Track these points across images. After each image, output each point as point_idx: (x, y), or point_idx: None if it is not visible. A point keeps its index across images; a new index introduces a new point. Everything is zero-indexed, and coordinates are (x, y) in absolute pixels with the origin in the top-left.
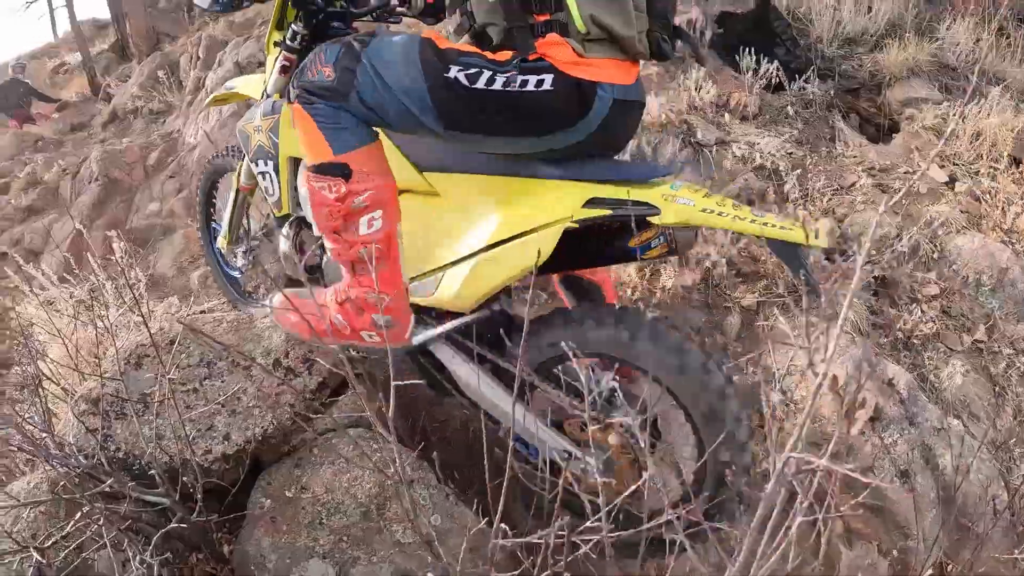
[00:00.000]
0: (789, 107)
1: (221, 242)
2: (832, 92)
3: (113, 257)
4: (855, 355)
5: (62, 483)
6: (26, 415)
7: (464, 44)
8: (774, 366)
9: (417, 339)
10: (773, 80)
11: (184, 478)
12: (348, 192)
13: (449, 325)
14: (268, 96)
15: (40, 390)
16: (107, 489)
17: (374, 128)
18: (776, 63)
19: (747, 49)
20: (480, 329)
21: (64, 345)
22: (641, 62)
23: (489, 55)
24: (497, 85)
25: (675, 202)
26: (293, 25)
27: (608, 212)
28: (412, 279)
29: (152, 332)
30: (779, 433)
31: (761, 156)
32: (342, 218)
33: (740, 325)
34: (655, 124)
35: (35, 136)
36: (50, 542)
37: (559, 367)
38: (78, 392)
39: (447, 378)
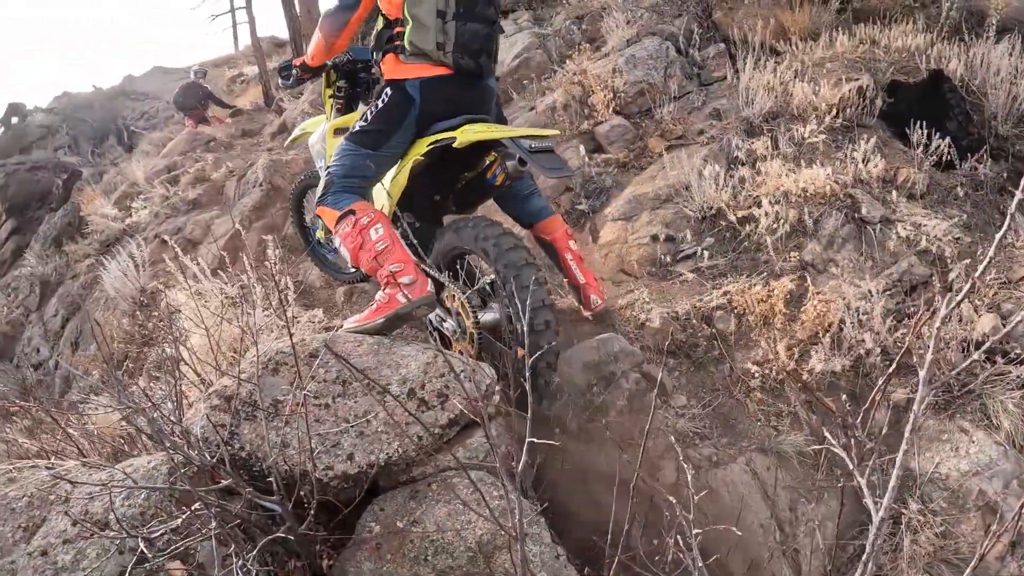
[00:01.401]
0: (959, 187)
1: (319, 234)
2: (1005, 174)
3: (266, 261)
4: (1006, 470)
5: (181, 471)
6: (159, 399)
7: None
8: (917, 470)
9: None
10: (944, 157)
11: (301, 490)
12: (357, 220)
13: None
14: (323, 124)
15: (176, 373)
16: (224, 486)
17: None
18: (947, 139)
19: (917, 122)
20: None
21: (207, 336)
22: None
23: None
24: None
25: (466, 132)
26: (338, 83)
27: (429, 146)
28: None
29: (294, 342)
30: (912, 545)
31: (927, 239)
32: (359, 235)
33: (887, 421)
34: (818, 195)
35: (208, 137)
36: (158, 532)
37: (458, 263)
38: (213, 386)
39: None
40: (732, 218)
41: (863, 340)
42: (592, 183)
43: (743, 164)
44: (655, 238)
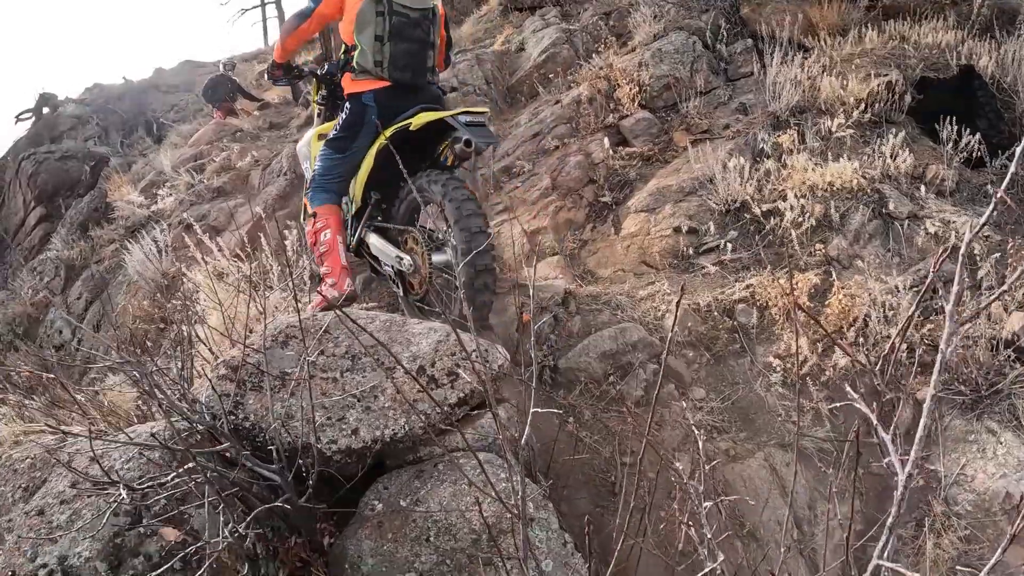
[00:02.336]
0: (989, 185)
1: None
2: None
3: (286, 244)
4: None
5: (182, 435)
6: (168, 368)
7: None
8: (941, 471)
9: (356, 237)
10: (974, 154)
11: (301, 461)
12: (315, 222)
13: (364, 216)
14: (311, 130)
15: (189, 348)
16: (222, 453)
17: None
18: (977, 136)
19: (947, 119)
20: (372, 211)
21: (222, 314)
22: None
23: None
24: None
25: (419, 117)
26: (321, 91)
27: (392, 132)
28: (351, 203)
29: (304, 317)
30: (935, 549)
31: (956, 236)
32: (314, 235)
33: (911, 420)
34: (845, 189)
35: (235, 128)
36: (147, 485)
37: (417, 214)
38: (222, 357)
39: (372, 257)
40: (757, 211)
41: (888, 335)
42: (616, 175)
43: (769, 157)
44: (678, 230)
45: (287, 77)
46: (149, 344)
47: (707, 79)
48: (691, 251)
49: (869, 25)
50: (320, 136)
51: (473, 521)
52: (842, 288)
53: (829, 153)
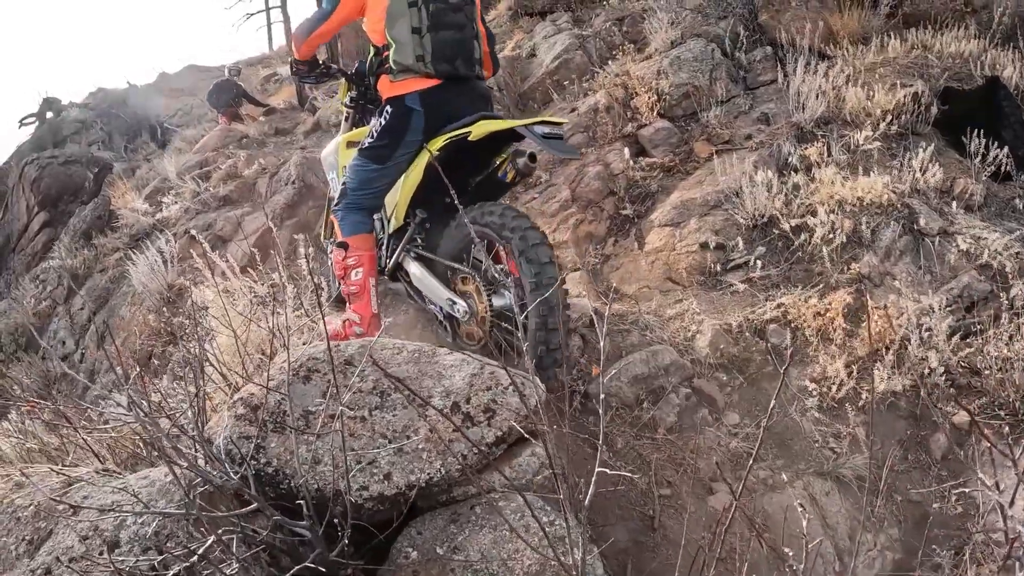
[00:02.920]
0: (1017, 199)
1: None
2: None
3: (298, 260)
4: None
5: (200, 489)
6: (179, 404)
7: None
8: (979, 499)
9: (393, 260)
10: (1002, 168)
11: (332, 513)
12: (346, 256)
13: (404, 239)
14: (337, 136)
15: (200, 377)
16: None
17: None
18: (1004, 149)
19: (974, 131)
20: (415, 233)
21: (234, 337)
22: None
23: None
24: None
25: (481, 126)
26: (351, 92)
27: (446, 141)
28: (388, 220)
29: (328, 346)
30: None
31: (988, 253)
32: (344, 270)
33: (948, 445)
34: (874, 204)
35: (240, 133)
36: (173, 562)
37: (466, 252)
38: (239, 393)
39: (412, 287)
40: (786, 227)
41: (926, 358)
42: (637, 187)
43: (796, 171)
44: (704, 246)
45: (313, 75)
46: (155, 363)
47: (727, 87)
48: (718, 267)
49: (891, 33)
50: (350, 143)
51: (516, 571)
52: (876, 308)
53: (857, 166)
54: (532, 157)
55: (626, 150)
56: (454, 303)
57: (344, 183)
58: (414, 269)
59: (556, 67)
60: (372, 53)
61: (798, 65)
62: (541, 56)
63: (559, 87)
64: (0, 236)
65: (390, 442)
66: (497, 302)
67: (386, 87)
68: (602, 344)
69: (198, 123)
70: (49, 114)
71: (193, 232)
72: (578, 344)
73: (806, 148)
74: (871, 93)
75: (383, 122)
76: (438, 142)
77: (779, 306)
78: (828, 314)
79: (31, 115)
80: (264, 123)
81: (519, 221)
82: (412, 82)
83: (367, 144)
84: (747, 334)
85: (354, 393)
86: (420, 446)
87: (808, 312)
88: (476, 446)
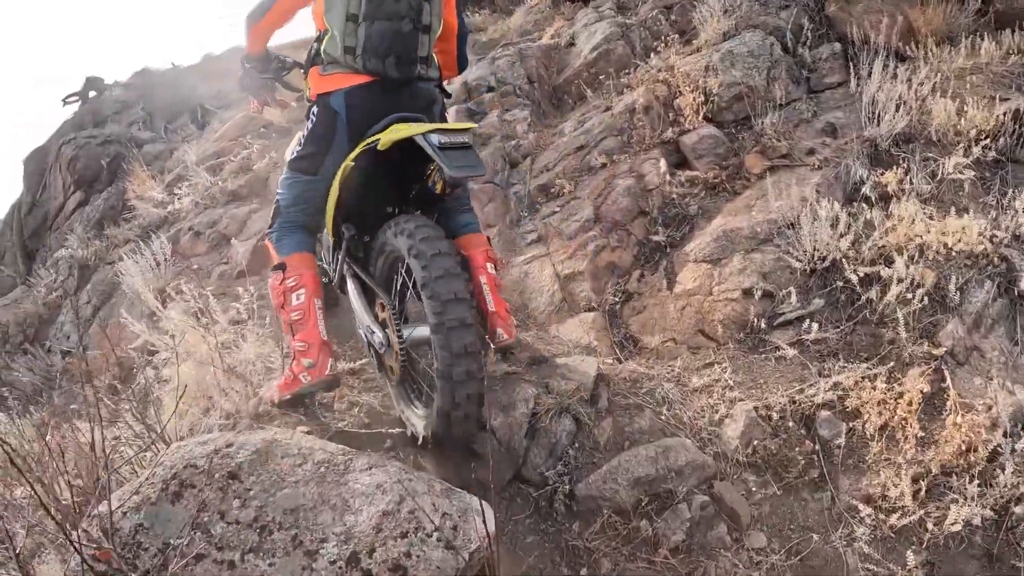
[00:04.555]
0: None
1: None
2: None
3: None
4: None
5: None
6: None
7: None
8: None
9: (338, 274)
10: None
11: None
12: (284, 278)
13: (342, 252)
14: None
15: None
16: None
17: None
18: None
19: None
20: (350, 247)
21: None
22: None
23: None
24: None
25: (389, 133)
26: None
27: (360, 151)
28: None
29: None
30: None
31: None
32: (283, 295)
33: None
34: (964, 254)
35: (265, 121)
36: None
37: (395, 275)
38: (91, 512)
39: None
40: (852, 276)
41: (1017, 485)
42: (673, 207)
43: (868, 202)
44: (748, 293)
45: (268, 70)
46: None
47: (786, 89)
48: (763, 323)
49: (981, 34)
50: None
51: None
52: (961, 402)
53: (945, 200)
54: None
55: (663, 161)
56: (372, 332)
57: (277, 200)
58: (350, 287)
59: (595, 59)
60: (315, 38)
61: (873, 67)
62: (580, 46)
63: (596, 82)
64: (38, 214)
65: None
66: (412, 333)
67: (315, 81)
68: None
69: (237, 105)
70: (92, 93)
71: (198, 229)
72: (568, 428)
73: (882, 173)
74: (963, 107)
75: (309, 127)
76: (355, 151)
77: (835, 386)
78: (897, 406)
79: (74, 94)
80: (293, 110)
81: (427, 245)
82: (339, 78)
83: (295, 154)
84: (790, 423)
85: (229, 524)
86: None
87: (872, 400)
88: None
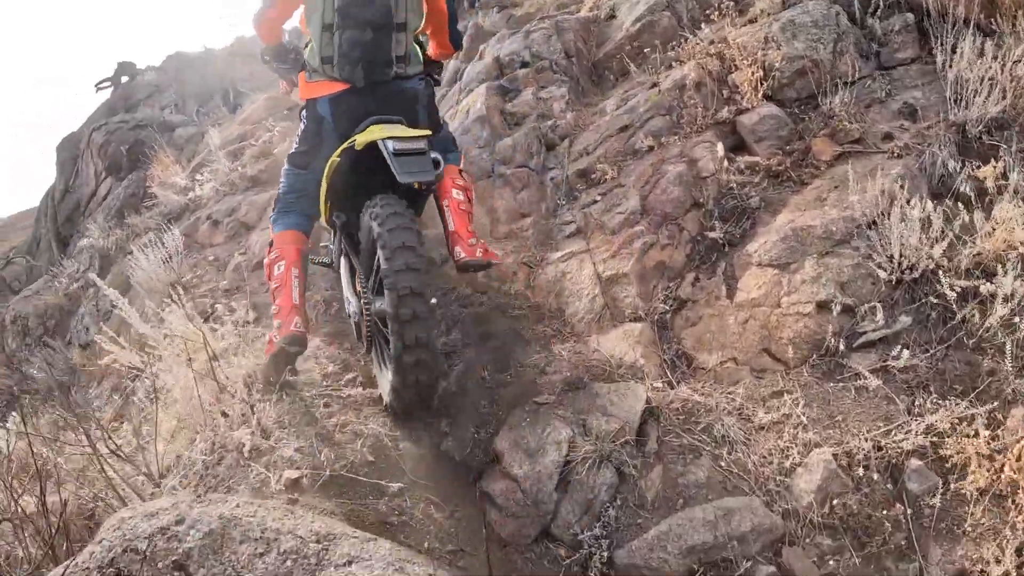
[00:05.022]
0: None
1: None
2: None
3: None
4: None
5: None
6: None
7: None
8: None
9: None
10: None
11: None
12: (270, 252)
13: (336, 237)
14: None
15: None
16: None
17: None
18: None
19: None
20: (341, 235)
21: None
22: None
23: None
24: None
25: (363, 134)
26: None
27: (342, 150)
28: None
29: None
30: None
31: None
32: (268, 268)
33: None
34: None
35: (288, 104)
36: None
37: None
38: None
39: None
40: (948, 292)
41: None
42: (731, 198)
43: (961, 200)
44: (823, 306)
45: (279, 63)
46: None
47: (855, 64)
48: (841, 343)
49: None
50: None
51: None
52: None
53: None
54: (435, 163)
55: (719, 145)
56: (349, 302)
57: (278, 189)
58: (341, 265)
59: (638, 31)
60: (304, 45)
61: (958, 41)
62: (621, 18)
63: (640, 56)
64: (71, 201)
65: None
66: (377, 305)
67: (303, 87)
68: None
69: (271, 87)
70: (124, 78)
71: (217, 218)
72: (609, 481)
73: (978, 166)
74: None
75: (302, 127)
76: (338, 150)
77: (928, 429)
78: (1005, 463)
79: (106, 79)
80: None
81: (393, 236)
82: (322, 85)
83: (292, 150)
84: (875, 474)
85: None
86: None
87: (972, 450)
88: None
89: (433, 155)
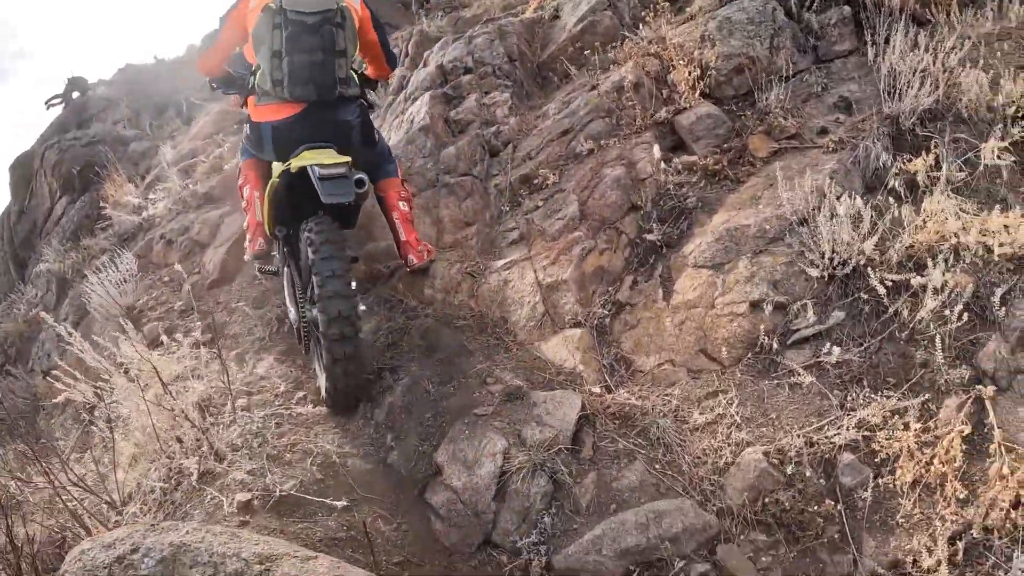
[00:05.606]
0: None
1: None
2: None
3: None
4: None
5: None
6: None
7: None
8: None
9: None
10: None
11: None
12: (240, 174)
13: (279, 247)
14: None
15: None
16: None
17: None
18: None
19: None
20: (284, 245)
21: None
22: None
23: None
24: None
25: (296, 160)
26: None
27: (281, 170)
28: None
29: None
30: None
31: None
32: (240, 189)
33: None
34: (1005, 256)
35: (238, 118)
36: None
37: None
38: None
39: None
40: (879, 287)
41: None
42: (668, 198)
43: (895, 194)
44: (756, 305)
45: (226, 89)
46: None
47: (792, 59)
48: (775, 341)
49: None
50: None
51: None
52: (1006, 445)
53: (978, 189)
54: (359, 183)
55: (656, 147)
56: (290, 309)
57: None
58: (284, 274)
59: (580, 31)
60: (250, 73)
61: (891, 32)
62: (565, 18)
63: (581, 57)
64: (27, 222)
65: None
66: (311, 312)
67: (252, 109)
68: None
69: (224, 98)
70: (75, 94)
71: (170, 237)
72: (544, 489)
73: (909, 159)
74: (1000, 80)
75: (245, 133)
76: (278, 169)
77: (860, 424)
78: (934, 457)
79: (57, 96)
80: None
81: (325, 264)
82: (269, 109)
83: (244, 134)
84: (807, 470)
85: None
86: None
87: (903, 443)
88: None
89: (357, 176)
